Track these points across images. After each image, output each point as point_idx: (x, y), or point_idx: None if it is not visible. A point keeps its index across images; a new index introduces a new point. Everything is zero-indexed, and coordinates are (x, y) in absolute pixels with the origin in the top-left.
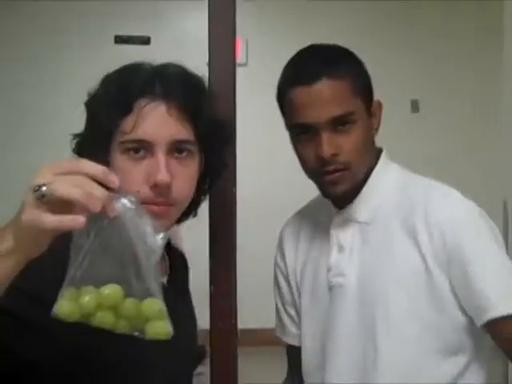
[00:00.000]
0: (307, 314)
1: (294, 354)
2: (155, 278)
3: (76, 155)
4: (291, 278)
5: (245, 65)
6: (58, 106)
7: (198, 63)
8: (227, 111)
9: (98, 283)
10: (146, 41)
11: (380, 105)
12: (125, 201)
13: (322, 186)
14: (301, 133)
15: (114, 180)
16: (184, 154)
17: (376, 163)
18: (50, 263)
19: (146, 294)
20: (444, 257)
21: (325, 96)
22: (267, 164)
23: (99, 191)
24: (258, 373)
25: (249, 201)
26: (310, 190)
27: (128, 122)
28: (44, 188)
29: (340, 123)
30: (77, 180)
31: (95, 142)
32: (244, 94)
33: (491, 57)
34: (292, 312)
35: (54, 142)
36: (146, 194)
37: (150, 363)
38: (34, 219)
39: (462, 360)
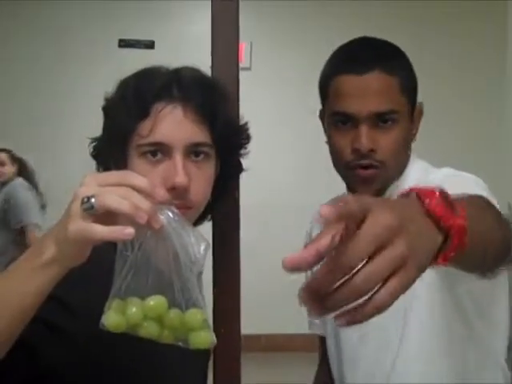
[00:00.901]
0: None
1: (322, 345)
2: (198, 288)
3: (93, 159)
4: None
5: (249, 69)
6: (62, 109)
7: (202, 67)
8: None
9: (143, 294)
10: (149, 44)
11: (421, 111)
12: (168, 212)
13: (352, 182)
14: (339, 122)
15: (159, 193)
16: (201, 157)
17: (406, 165)
18: (81, 272)
19: (190, 304)
20: None
21: (373, 88)
22: (271, 168)
23: (145, 203)
24: (262, 378)
25: (253, 205)
26: (313, 193)
27: (145, 126)
28: (93, 200)
29: (382, 120)
30: (123, 192)
31: (112, 145)
32: (248, 97)
33: (495, 59)
34: None
35: (57, 144)
36: (164, 196)
37: (168, 369)
38: (82, 229)
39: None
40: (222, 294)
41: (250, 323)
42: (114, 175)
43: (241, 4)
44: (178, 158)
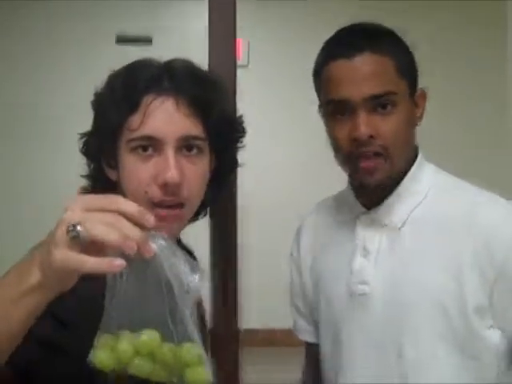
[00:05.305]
0: (323, 317)
1: (309, 350)
2: (192, 321)
3: (83, 155)
4: (305, 273)
5: (246, 66)
6: (60, 106)
7: (199, 63)
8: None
9: (135, 327)
10: (147, 40)
11: (424, 94)
12: (160, 240)
13: (355, 174)
14: (336, 112)
15: (149, 219)
16: (194, 151)
17: (412, 164)
18: (76, 287)
19: (184, 337)
20: (490, 271)
21: (366, 71)
22: (269, 165)
23: (135, 232)
24: (260, 373)
25: (250, 201)
26: (311, 190)
27: (135, 119)
28: (79, 228)
29: (380, 104)
30: (110, 219)
31: (102, 141)
32: (246, 95)
33: (495, 52)
34: (300, 305)
35: (54, 142)
36: (155, 193)
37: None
38: (68, 260)
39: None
40: (219, 289)
41: (248, 318)
42: (101, 199)
43: (238, 1)
44: (170, 152)
